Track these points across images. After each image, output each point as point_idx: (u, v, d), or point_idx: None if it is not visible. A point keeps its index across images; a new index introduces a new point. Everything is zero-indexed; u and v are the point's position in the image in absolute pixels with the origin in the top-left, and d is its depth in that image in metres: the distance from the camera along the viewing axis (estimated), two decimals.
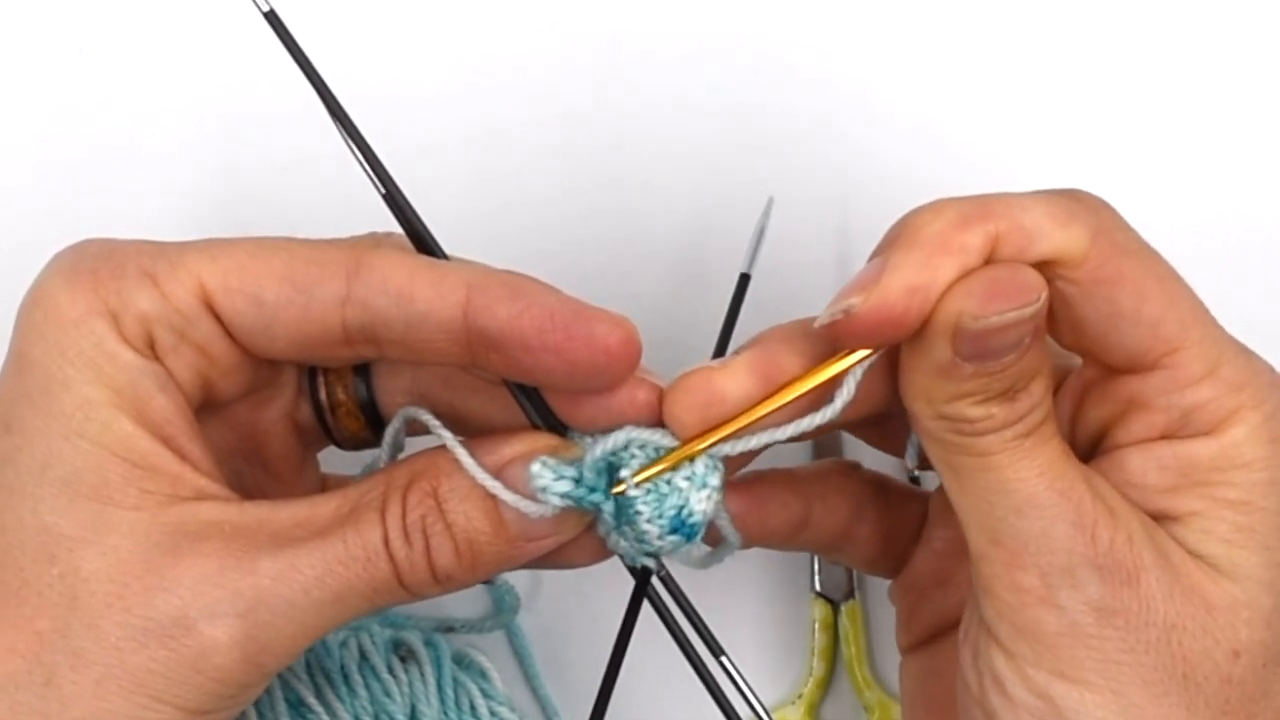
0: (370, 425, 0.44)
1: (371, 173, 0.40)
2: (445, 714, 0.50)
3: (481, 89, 0.59)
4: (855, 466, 0.48)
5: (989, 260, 0.37)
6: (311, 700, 0.48)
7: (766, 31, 0.59)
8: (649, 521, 0.39)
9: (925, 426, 0.39)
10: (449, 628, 0.54)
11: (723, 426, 0.39)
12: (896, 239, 0.38)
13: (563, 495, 0.39)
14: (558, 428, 0.40)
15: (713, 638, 0.42)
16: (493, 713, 0.51)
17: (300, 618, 0.37)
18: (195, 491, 0.38)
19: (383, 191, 0.40)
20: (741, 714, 0.42)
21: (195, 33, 0.58)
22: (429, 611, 0.55)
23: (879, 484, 0.48)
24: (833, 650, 0.56)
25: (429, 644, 0.52)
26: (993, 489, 0.39)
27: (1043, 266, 0.38)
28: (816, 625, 0.56)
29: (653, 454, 0.39)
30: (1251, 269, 0.59)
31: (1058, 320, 0.39)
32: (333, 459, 0.47)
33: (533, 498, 0.39)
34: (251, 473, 0.43)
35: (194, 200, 0.57)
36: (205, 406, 0.41)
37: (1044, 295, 0.37)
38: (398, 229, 0.41)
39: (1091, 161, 0.59)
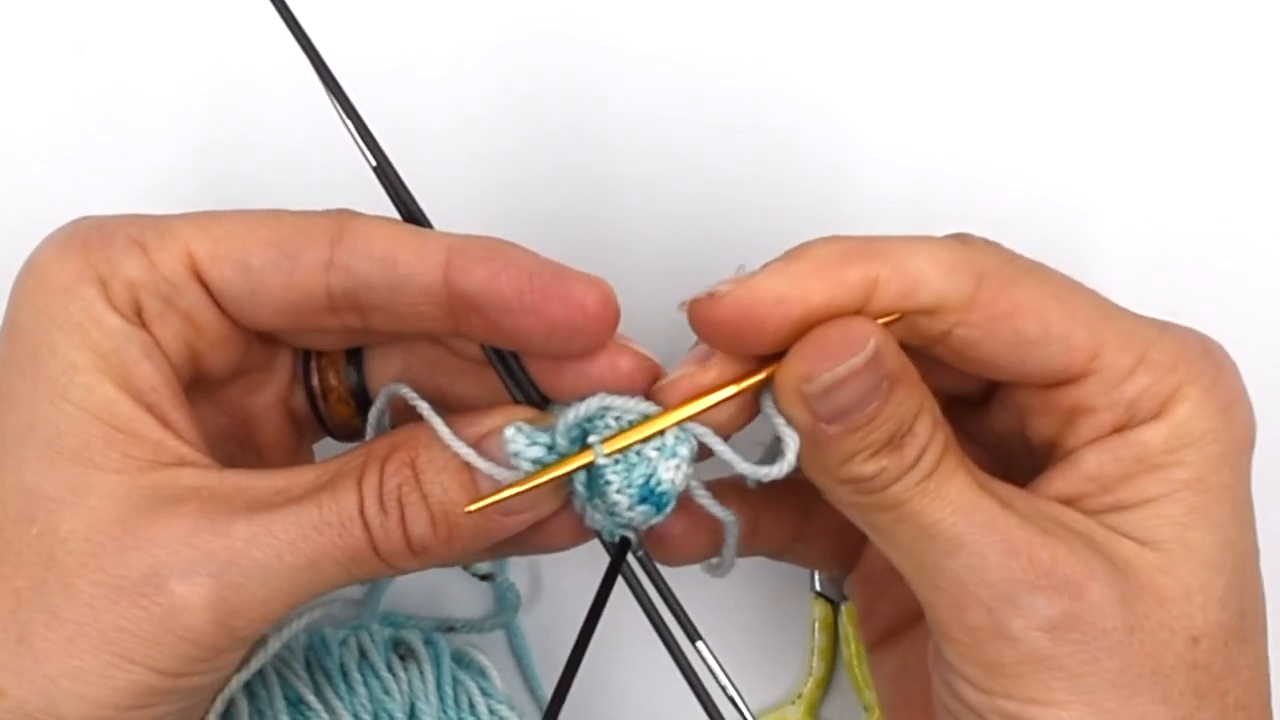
0: (361, 412, 0.44)
1: (363, 144, 0.40)
2: (445, 712, 0.50)
3: (473, 90, 0.59)
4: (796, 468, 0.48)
5: (869, 302, 0.38)
6: (311, 698, 0.48)
7: (765, 53, 0.59)
8: (619, 492, 0.39)
9: (834, 496, 0.40)
10: (449, 627, 0.54)
11: (693, 401, 0.39)
12: (780, 257, 0.38)
13: (534, 461, 0.39)
14: (538, 401, 0.41)
15: (690, 622, 0.42)
16: (492, 711, 0.51)
17: (273, 581, 0.38)
18: (177, 458, 0.38)
19: (374, 164, 0.40)
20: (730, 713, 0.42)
21: (189, 15, 0.58)
22: (429, 611, 0.56)
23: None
24: (833, 650, 0.56)
25: (428, 643, 0.52)
26: (916, 538, 0.39)
27: (933, 313, 0.39)
28: (816, 625, 0.56)
29: (626, 425, 0.39)
30: (1248, 273, 0.59)
31: (976, 361, 0.40)
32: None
33: (508, 466, 0.39)
34: (244, 457, 0.44)
35: (189, 181, 0.57)
36: (197, 384, 0.41)
37: (874, 341, 0.37)
38: (388, 212, 0.41)
39: (1071, 190, 0.59)
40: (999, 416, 0.44)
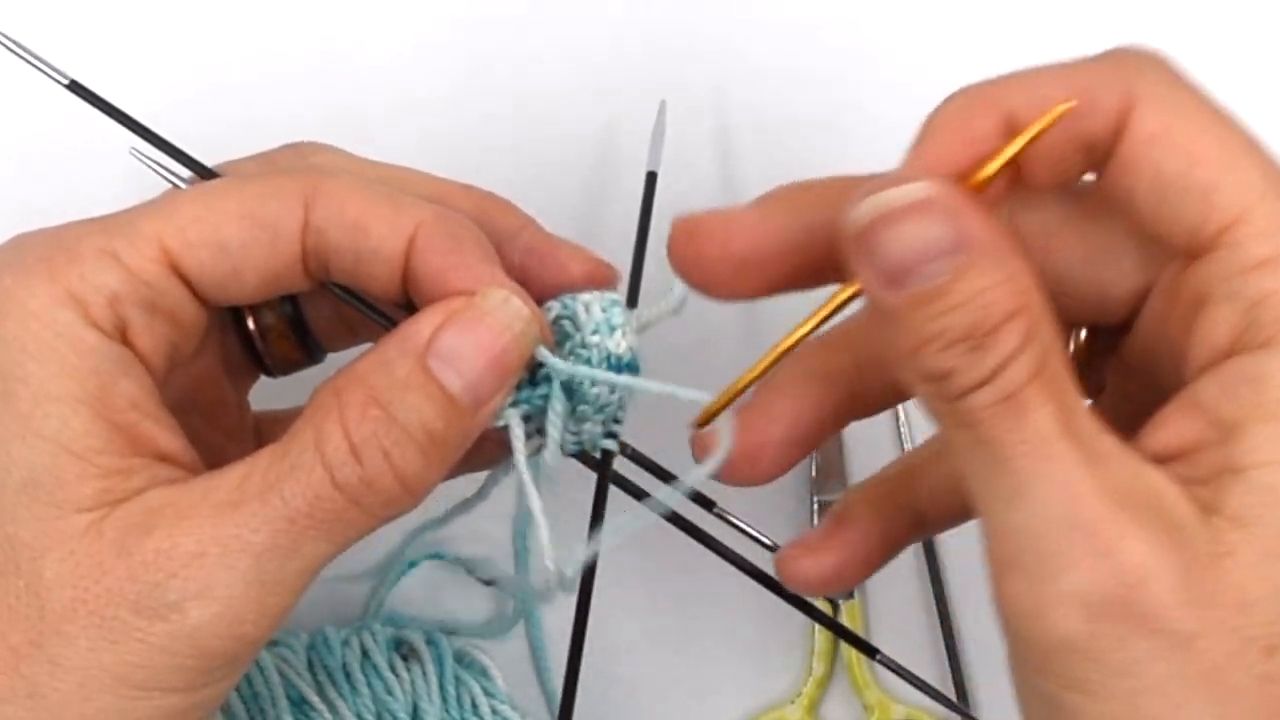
0: (302, 345, 0.44)
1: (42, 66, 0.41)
2: (448, 712, 0.51)
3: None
4: None
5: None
6: (314, 698, 0.49)
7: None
8: (593, 386, 0.40)
9: (918, 395, 0.35)
10: (451, 630, 0.55)
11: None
12: (915, 139, 0.36)
13: (514, 405, 0.39)
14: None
15: (701, 494, 0.43)
16: (494, 710, 0.51)
17: (263, 579, 0.37)
18: (148, 480, 0.37)
19: (65, 81, 0.41)
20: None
21: None
22: (431, 613, 0.56)
23: None
24: (833, 650, 0.57)
25: (430, 642, 0.52)
26: (984, 470, 0.34)
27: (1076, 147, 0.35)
28: (816, 625, 0.56)
29: (557, 329, 0.40)
30: None
31: (1113, 194, 0.36)
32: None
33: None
34: (192, 426, 0.42)
35: None
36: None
37: (928, 185, 0.32)
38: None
39: None
40: (1138, 342, 0.38)
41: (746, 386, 0.39)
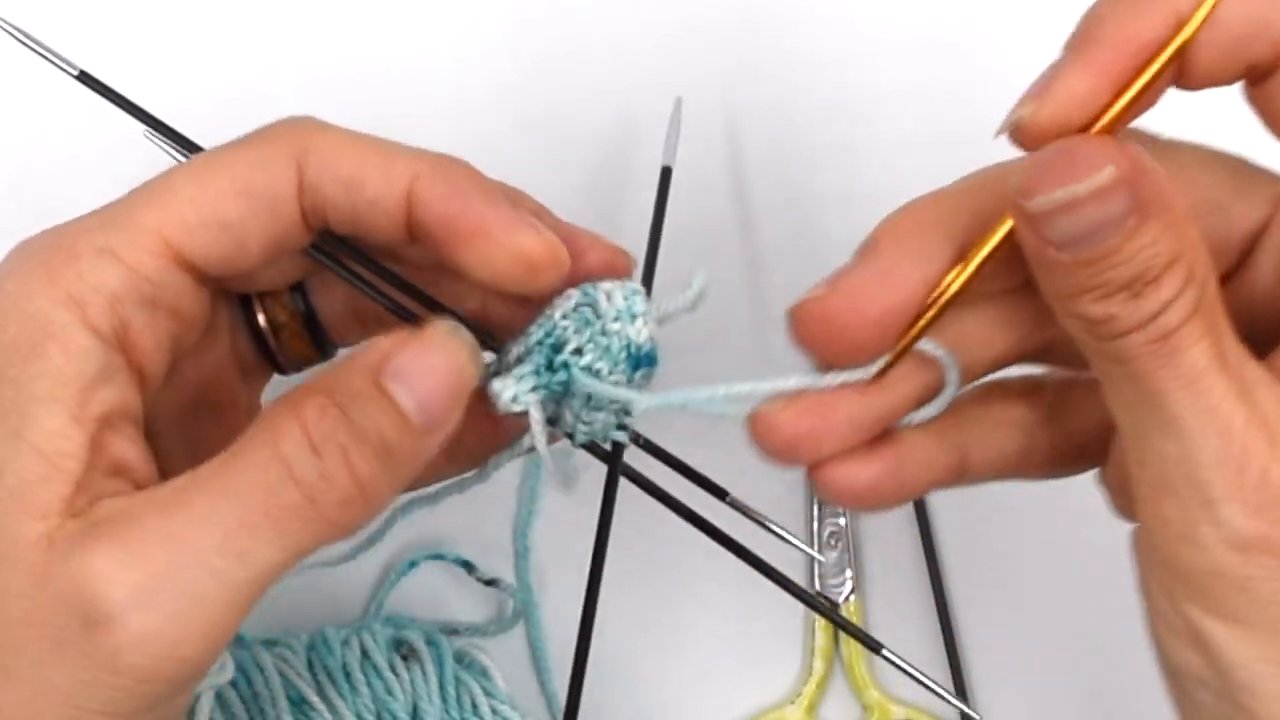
0: (315, 343, 0.44)
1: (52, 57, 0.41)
2: (448, 712, 0.51)
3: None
4: (1027, 386, 0.41)
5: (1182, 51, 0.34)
6: (314, 698, 0.49)
7: None
8: (611, 374, 0.39)
9: (1069, 329, 0.35)
10: (452, 630, 0.55)
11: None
12: (1072, 37, 0.34)
13: (534, 389, 0.39)
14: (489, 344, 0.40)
15: (713, 483, 0.42)
16: (494, 711, 0.52)
17: (213, 590, 0.35)
18: (102, 492, 0.36)
19: (74, 73, 0.41)
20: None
21: None
22: (431, 614, 0.57)
23: (1063, 389, 0.41)
24: (833, 650, 0.57)
25: (430, 643, 0.52)
26: (1135, 402, 0.34)
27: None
28: (817, 625, 0.57)
29: (577, 316, 0.39)
30: None
31: (1262, 106, 0.36)
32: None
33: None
34: (203, 427, 0.42)
35: None
36: (169, 372, 0.39)
37: (1111, 170, 0.32)
38: None
39: None
40: (1244, 286, 0.38)
41: (925, 329, 0.37)
